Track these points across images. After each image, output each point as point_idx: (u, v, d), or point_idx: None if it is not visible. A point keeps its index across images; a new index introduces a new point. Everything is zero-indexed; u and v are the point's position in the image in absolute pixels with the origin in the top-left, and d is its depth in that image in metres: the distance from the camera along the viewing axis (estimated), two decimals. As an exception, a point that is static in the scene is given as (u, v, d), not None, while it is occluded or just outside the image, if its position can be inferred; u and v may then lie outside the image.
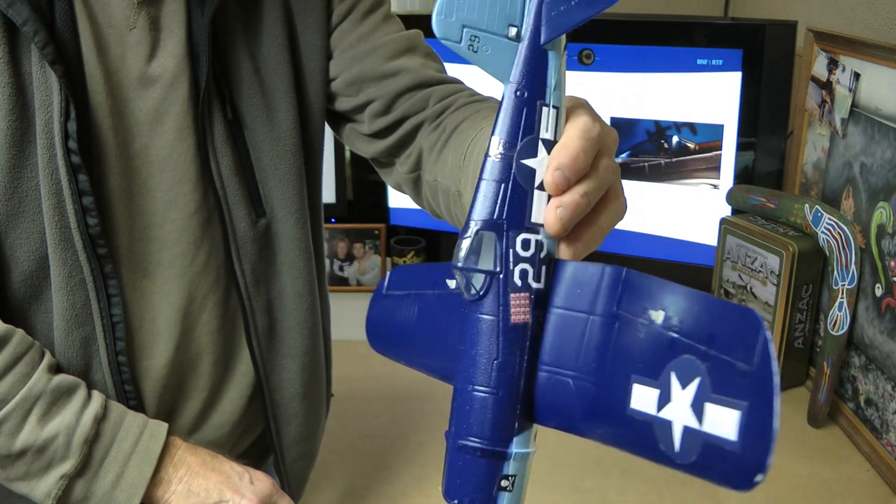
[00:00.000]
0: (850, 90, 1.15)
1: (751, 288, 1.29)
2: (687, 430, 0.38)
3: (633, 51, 1.38)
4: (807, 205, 1.20)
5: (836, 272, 1.15)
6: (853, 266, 1.13)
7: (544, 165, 0.45)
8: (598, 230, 0.47)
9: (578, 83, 1.42)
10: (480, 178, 0.45)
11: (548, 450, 1.15)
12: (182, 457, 0.77)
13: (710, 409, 0.37)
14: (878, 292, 1.09)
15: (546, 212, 0.45)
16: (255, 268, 0.86)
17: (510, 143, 0.45)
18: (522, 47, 0.45)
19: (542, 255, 0.45)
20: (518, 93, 0.45)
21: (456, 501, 0.45)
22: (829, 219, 1.16)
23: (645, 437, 0.40)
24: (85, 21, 0.74)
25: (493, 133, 0.45)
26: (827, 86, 1.22)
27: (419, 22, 1.56)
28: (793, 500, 1.03)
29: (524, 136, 0.45)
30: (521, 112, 0.45)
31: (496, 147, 0.45)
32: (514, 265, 0.44)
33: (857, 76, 1.14)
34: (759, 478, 0.35)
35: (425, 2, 1.78)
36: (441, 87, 0.86)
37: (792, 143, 1.36)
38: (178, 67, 0.78)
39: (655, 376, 0.40)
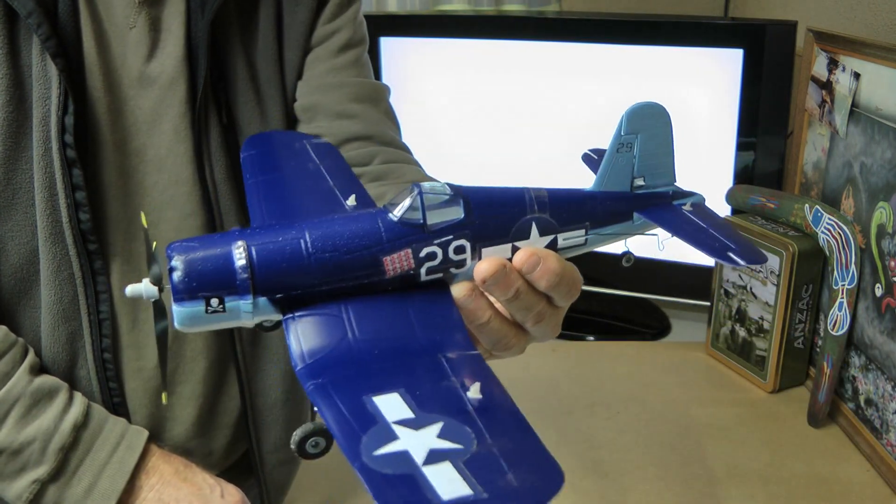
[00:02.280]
0: (850, 90, 1.15)
1: (751, 288, 1.29)
2: (404, 456, 0.39)
3: (632, 51, 1.38)
4: (807, 205, 1.20)
5: (836, 272, 1.15)
6: (853, 266, 1.13)
7: (532, 243, 0.54)
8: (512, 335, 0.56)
9: (578, 83, 1.42)
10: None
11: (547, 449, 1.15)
12: (155, 464, 0.77)
13: (445, 467, 0.38)
14: (878, 292, 1.09)
15: (491, 259, 0.51)
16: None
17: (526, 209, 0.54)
18: None
19: (451, 266, 0.52)
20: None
21: None
22: (829, 219, 1.16)
23: (361, 420, 0.41)
24: (87, 17, 0.74)
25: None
26: (827, 86, 1.22)
27: (419, 22, 1.57)
28: (793, 500, 1.03)
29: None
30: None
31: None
32: (444, 247, 0.51)
33: (857, 76, 1.14)
34: None
35: (425, 2, 1.78)
36: (389, 150, 0.86)
37: (792, 143, 1.36)
38: (177, 69, 0.78)
39: (423, 407, 0.42)
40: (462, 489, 0.38)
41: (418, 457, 0.39)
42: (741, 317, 1.32)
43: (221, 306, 0.48)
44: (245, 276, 0.48)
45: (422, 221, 0.51)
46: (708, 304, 1.39)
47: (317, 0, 0.86)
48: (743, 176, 1.36)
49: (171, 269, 0.48)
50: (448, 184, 0.52)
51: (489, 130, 1.49)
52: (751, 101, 1.32)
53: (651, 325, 1.56)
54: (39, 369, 0.77)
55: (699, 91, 1.35)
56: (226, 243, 0.49)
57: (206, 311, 0.48)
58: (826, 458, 1.12)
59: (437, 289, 0.52)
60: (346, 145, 0.85)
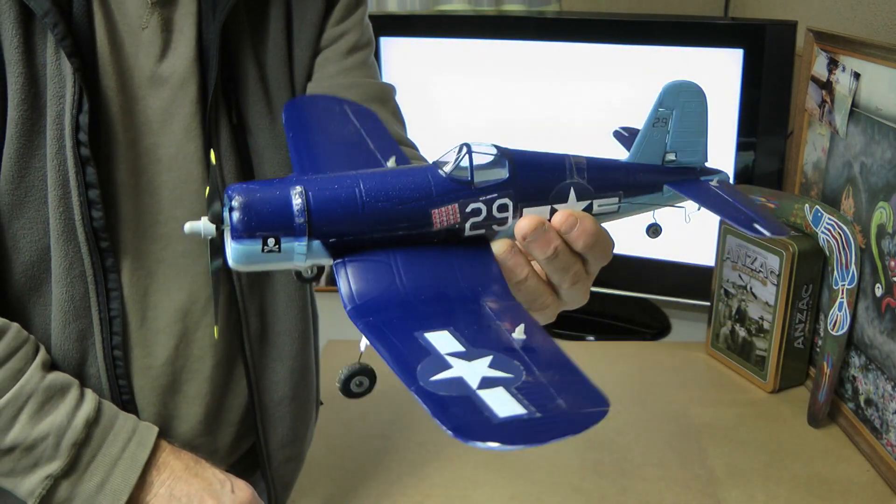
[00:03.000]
0: (850, 90, 1.15)
1: (751, 288, 1.29)
2: (459, 381, 0.42)
3: (632, 51, 1.38)
4: (807, 205, 1.20)
5: (836, 272, 1.15)
6: (853, 266, 1.13)
7: (570, 206, 0.56)
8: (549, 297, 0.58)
9: (578, 85, 1.42)
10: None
11: (548, 450, 1.15)
12: (166, 460, 0.78)
13: (499, 391, 0.42)
14: (878, 292, 1.09)
15: (532, 217, 0.54)
16: (251, 273, 0.86)
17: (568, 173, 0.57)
18: None
19: (493, 224, 0.55)
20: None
21: None
22: (829, 219, 1.16)
23: (415, 352, 0.45)
24: (101, 17, 0.75)
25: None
26: (827, 86, 1.22)
27: (419, 22, 1.57)
28: (793, 500, 1.03)
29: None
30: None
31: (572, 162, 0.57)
32: (488, 204, 0.54)
33: (857, 76, 1.14)
34: (479, 445, 0.39)
35: (425, 2, 1.78)
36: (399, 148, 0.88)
37: (792, 143, 1.36)
38: (188, 69, 0.79)
39: (473, 343, 0.45)
40: (516, 409, 0.41)
41: (472, 382, 0.42)
42: (741, 317, 1.32)
43: (277, 246, 0.51)
44: (302, 219, 0.51)
45: (469, 179, 0.54)
46: (708, 304, 1.39)
47: (325, 2, 0.87)
48: (743, 176, 1.36)
49: (231, 208, 0.50)
50: (495, 145, 0.55)
51: (489, 130, 1.49)
52: (751, 101, 1.32)
53: (651, 325, 1.56)
54: (51, 366, 0.78)
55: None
56: (284, 187, 0.52)
57: (262, 251, 0.51)
58: (826, 458, 1.12)
59: (478, 245, 0.55)
60: None
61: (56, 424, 0.74)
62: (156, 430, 0.78)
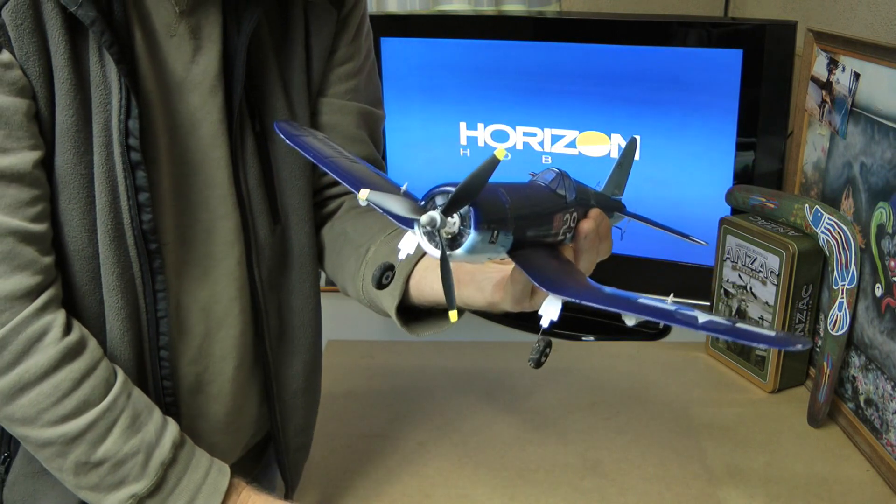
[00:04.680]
0: (849, 90, 1.15)
1: (751, 288, 1.29)
2: (661, 303, 0.59)
3: (632, 51, 1.38)
4: (807, 205, 1.20)
5: (836, 272, 1.15)
6: (853, 266, 1.13)
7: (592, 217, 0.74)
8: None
9: (578, 85, 1.42)
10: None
11: (548, 450, 1.15)
12: (247, 496, 0.78)
13: (696, 311, 0.57)
14: (878, 292, 1.09)
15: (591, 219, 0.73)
16: (272, 273, 0.89)
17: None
18: None
19: (569, 232, 0.71)
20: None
21: None
22: (829, 219, 1.16)
23: (628, 297, 0.61)
24: (136, 24, 0.76)
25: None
26: (827, 86, 1.23)
27: (419, 22, 1.57)
28: (793, 500, 1.03)
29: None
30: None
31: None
32: (571, 215, 0.71)
33: (857, 76, 1.14)
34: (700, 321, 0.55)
35: (425, 2, 1.78)
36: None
37: (792, 143, 1.36)
38: (216, 77, 0.80)
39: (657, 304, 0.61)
40: (719, 319, 0.54)
41: (673, 307, 0.57)
42: (741, 317, 1.32)
43: (496, 238, 0.60)
44: (510, 216, 0.61)
45: (566, 195, 0.69)
46: (708, 304, 1.39)
47: (336, 22, 0.89)
48: (743, 176, 1.36)
49: (475, 203, 0.58)
50: (560, 170, 0.71)
51: (489, 130, 1.49)
52: (751, 101, 1.32)
53: (651, 325, 1.56)
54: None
55: (699, 91, 1.35)
56: (495, 190, 0.61)
57: (489, 241, 0.59)
58: (826, 458, 1.12)
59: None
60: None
61: (146, 442, 0.74)
62: (227, 465, 0.80)
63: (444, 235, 0.58)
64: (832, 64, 1.21)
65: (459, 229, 0.58)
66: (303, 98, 0.89)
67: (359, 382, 1.32)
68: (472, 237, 0.58)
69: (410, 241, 0.63)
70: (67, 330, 0.73)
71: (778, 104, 1.33)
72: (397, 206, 0.57)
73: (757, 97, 1.32)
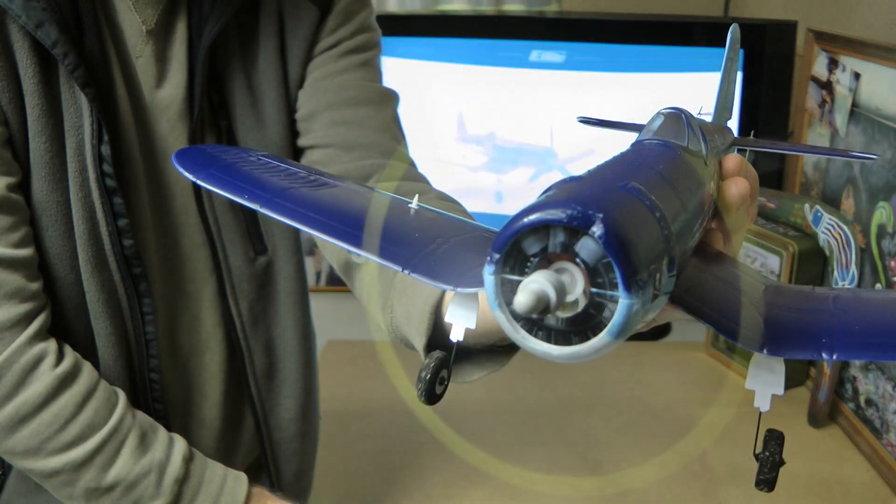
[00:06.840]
0: (850, 90, 1.15)
1: (751, 288, 1.29)
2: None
3: (633, 51, 1.38)
4: (807, 205, 1.20)
5: (836, 272, 1.15)
6: (853, 266, 1.13)
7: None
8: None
9: (578, 86, 1.42)
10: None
11: (548, 450, 1.15)
12: (266, 502, 0.76)
13: None
14: (879, 292, 1.09)
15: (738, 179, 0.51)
16: (253, 307, 0.84)
17: None
18: None
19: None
20: None
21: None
22: (830, 219, 1.16)
23: None
24: (110, 44, 0.73)
25: None
26: (827, 86, 1.22)
27: (419, 22, 1.57)
28: (793, 500, 1.03)
29: None
30: None
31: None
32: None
33: (857, 76, 1.14)
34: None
35: (425, 2, 1.78)
36: (388, 163, 0.81)
37: (792, 143, 1.36)
38: (183, 101, 0.77)
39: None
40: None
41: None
42: (741, 317, 1.32)
43: (659, 285, 0.35)
44: (673, 239, 0.36)
45: (702, 151, 0.51)
46: (708, 304, 1.39)
47: (318, 15, 0.83)
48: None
49: (609, 235, 0.31)
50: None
51: (489, 130, 1.49)
52: (751, 101, 1.32)
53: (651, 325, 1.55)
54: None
55: (699, 91, 1.35)
56: (622, 195, 0.36)
57: (651, 298, 0.34)
58: (826, 458, 1.12)
59: None
60: (346, 155, 0.81)
61: (156, 461, 0.71)
62: (244, 474, 0.77)
63: (560, 316, 0.34)
64: (832, 64, 1.21)
65: (600, 299, 0.33)
66: (277, 110, 0.82)
67: (359, 382, 1.32)
68: (623, 310, 0.33)
69: (468, 312, 0.39)
70: (61, 356, 0.71)
71: (778, 104, 1.33)
72: (453, 278, 0.37)
73: (757, 97, 1.31)
